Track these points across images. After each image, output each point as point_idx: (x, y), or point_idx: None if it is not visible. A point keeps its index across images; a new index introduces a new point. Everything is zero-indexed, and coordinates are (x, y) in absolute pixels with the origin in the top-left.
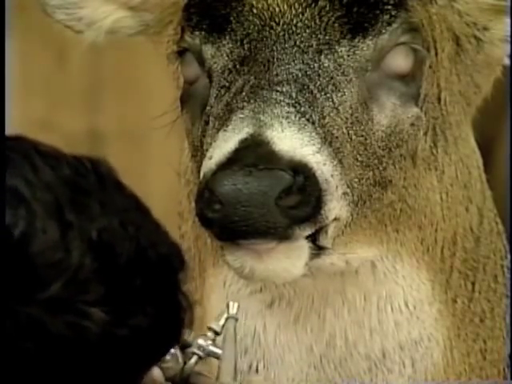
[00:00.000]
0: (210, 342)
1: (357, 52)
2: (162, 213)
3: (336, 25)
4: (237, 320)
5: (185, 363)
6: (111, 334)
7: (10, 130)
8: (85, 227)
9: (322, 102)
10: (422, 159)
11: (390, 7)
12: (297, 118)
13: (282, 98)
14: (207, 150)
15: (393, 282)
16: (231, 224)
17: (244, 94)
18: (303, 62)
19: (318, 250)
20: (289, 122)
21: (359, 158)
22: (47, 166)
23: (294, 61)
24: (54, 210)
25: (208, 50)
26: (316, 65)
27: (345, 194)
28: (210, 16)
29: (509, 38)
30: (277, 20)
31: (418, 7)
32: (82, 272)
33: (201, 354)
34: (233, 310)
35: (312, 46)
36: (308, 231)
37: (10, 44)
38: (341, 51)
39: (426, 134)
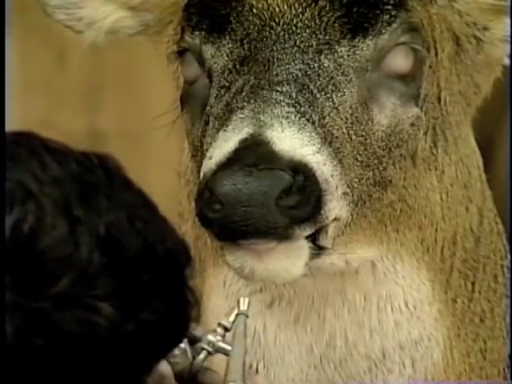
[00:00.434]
0: (219, 338)
1: (357, 52)
2: (162, 213)
3: (336, 25)
4: (247, 316)
5: (194, 358)
6: (120, 329)
7: (10, 129)
8: (93, 222)
9: (322, 102)
10: (422, 159)
11: (389, 7)
12: (297, 118)
13: (281, 98)
14: (207, 150)
15: (393, 282)
16: (231, 224)
17: (244, 93)
18: (303, 62)
19: (318, 249)
20: (289, 122)
21: (359, 158)
22: (55, 161)
23: (293, 61)
24: (63, 205)
25: (208, 50)
26: (316, 65)
27: (345, 193)
28: (210, 16)
29: (509, 38)
30: (277, 20)
31: (418, 7)
32: (90, 267)
33: (210, 349)
34: (243, 306)
35: (312, 45)
36: (308, 231)
37: (10, 44)
38: (341, 51)
39: (426, 133)
